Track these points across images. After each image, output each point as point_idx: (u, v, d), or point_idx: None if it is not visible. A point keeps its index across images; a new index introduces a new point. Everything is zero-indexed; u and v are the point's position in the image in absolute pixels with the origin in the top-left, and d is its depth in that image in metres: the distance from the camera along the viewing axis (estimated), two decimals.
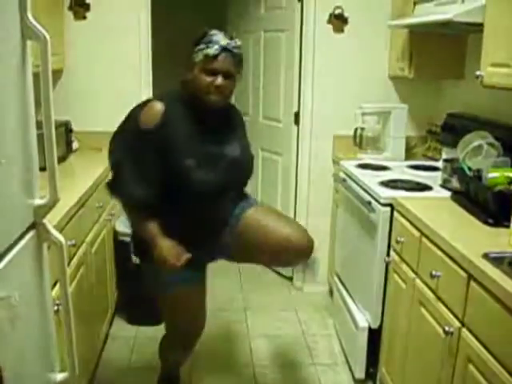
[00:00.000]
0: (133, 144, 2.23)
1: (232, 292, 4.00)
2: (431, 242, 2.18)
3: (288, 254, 2.31)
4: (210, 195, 2.25)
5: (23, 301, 1.39)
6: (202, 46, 2.15)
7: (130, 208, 2.30)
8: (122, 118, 3.86)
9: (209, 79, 2.15)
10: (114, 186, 2.32)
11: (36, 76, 1.59)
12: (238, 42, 2.21)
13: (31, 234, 1.54)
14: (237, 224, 2.34)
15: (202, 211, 2.28)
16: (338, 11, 3.73)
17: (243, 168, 2.41)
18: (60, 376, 1.70)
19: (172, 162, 2.19)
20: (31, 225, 1.55)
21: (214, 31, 2.20)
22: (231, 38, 2.19)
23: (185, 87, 2.27)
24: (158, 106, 2.20)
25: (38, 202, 1.57)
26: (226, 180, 2.28)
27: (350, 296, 3.15)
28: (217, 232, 2.35)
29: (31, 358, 1.52)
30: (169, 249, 2.16)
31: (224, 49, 2.14)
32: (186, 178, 2.19)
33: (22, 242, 1.46)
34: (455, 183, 2.68)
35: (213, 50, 2.13)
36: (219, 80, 2.15)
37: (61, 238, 1.62)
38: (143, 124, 2.19)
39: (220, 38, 2.16)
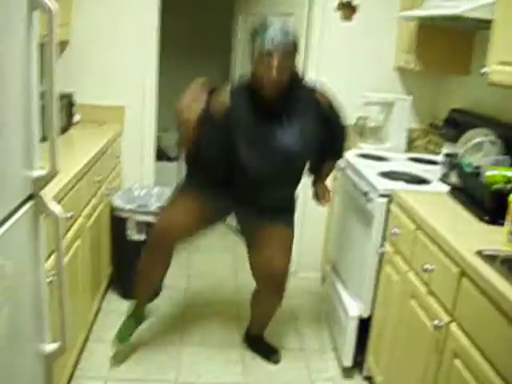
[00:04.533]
0: (204, 129, 2.46)
1: (224, 272, 4.01)
2: (426, 235, 2.19)
3: (266, 275, 2.79)
4: (256, 177, 2.51)
5: (17, 270, 1.40)
6: (258, 41, 2.31)
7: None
8: (127, 92, 3.87)
9: (264, 72, 2.33)
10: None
11: (41, 46, 1.58)
12: (291, 28, 2.35)
13: (28, 205, 1.54)
14: (261, 227, 2.71)
15: (243, 185, 2.57)
16: None
17: (292, 156, 2.54)
18: (50, 347, 1.71)
19: (227, 142, 2.46)
20: (29, 196, 1.55)
21: (269, 21, 2.34)
22: (285, 24, 2.33)
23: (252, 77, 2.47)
24: (224, 95, 2.47)
25: (36, 173, 1.57)
26: (271, 167, 2.50)
27: (342, 284, 3.17)
28: (248, 202, 2.63)
29: (23, 327, 1.52)
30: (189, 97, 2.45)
31: (277, 44, 2.27)
32: (236, 158, 2.47)
33: (19, 213, 1.46)
34: (454, 178, 2.69)
35: (267, 46, 2.28)
36: (274, 73, 2.31)
37: (57, 211, 1.62)
38: (212, 114, 2.44)
39: (273, 32, 2.27)
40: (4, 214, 1.37)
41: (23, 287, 1.51)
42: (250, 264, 2.86)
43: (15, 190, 1.47)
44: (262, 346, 3.13)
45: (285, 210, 2.78)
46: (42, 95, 1.62)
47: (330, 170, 3.00)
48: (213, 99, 2.47)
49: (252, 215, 2.72)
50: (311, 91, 2.63)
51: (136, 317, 2.96)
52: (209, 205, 2.65)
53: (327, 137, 2.66)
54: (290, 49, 2.34)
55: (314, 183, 2.97)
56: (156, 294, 3.34)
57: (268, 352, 3.09)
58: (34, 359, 1.65)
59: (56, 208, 1.62)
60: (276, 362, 3.04)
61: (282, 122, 2.50)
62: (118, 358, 2.92)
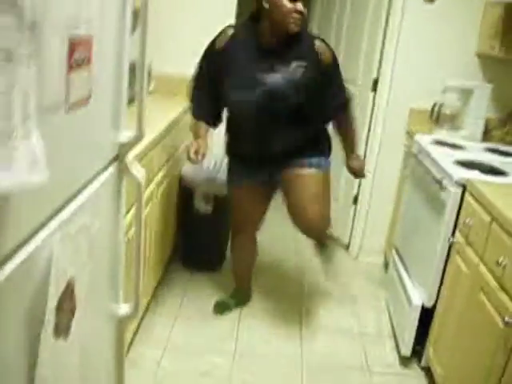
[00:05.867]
0: (201, 65, 2.72)
1: (285, 254, 4.00)
2: (502, 228, 2.11)
3: (302, 228, 2.81)
4: (250, 116, 2.63)
5: (100, 230, 1.42)
6: None
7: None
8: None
9: (290, 5, 2.44)
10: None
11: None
12: None
13: (114, 166, 1.57)
14: (288, 173, 2.76)
15: (250, 131, 2.69)
16: None
17: (281, 97, 2.58)
18: (124, 308, 1.75)
19: (221, 82, 2.60)
20: (115, 157, 1.58)
21: None
22: None
23: (254, 17, 2.58)
24: (228, 32, 2.63)
25: (123, 136, 1.59)
26: (259, 105, 2.57)
27: (407, 271, 3.12)
28: (268, 155, 2.74)
29: (100, 287, 1.56)
30: (194, 145, 2.59)
31: None
32: (226, 96, 2.62)
33: (105, 174, 1.49)
34: None
35: None
36: (300, 5, 2.46)
37: (140, 175, 1.64)
38: (213, 48, 2.64)
39: None
40: (92, 174, 1.39)
41: (103, 247, 1.54)
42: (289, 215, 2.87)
43: (103, 151, 1.50)
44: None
45: (309, 150, 2.77)
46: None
47: (351, 136, 2.94)
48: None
49: (277, 166, 2.78)
50: (313, 40, 2.65)
51: (237, 298, 3.27)
52: (257, 186, 2.89)
53: (325, 91, 2.69)
54: None
55: (346, 155, 2.95)
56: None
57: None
58: (107, 320, 1.69)
59: (139, 171, 1.64)
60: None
61: (277, 61, 2.56)
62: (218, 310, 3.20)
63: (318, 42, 2.63)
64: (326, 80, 2.65)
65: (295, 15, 2.45)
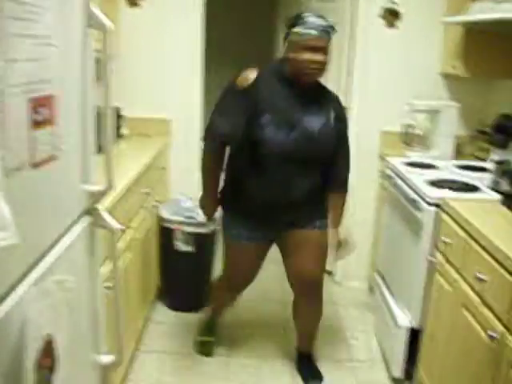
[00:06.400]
0: (225, 98, 2.56)
1: (269, 283, 3.99)
2: (478, 244, 2.15)
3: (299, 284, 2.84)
4: (280, 157, 2.49)
5: (77, 283, 1.42)
6: (300, 28, 2.39)
7: (211, 146, 2.65)
8: (173, 105, 3.91)
9: (307, 56, 2.39)
10: (206, 128, 2.67)
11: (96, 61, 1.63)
12: (331, 22, 2.46)
13: (86, 219, 1.57)
14: (295, 235, 2.70)
15: (271, 175, 2.53)
16: (391, 6, 3.68)
17: (316, 142, 2.53)
18: (107, 358, 1.74)
19: (252, 119, 2.46)
20: (86, 210, 1.59)
21: (305, 12, 2.47)
22: (322, 18, 2.44)
23: (284, 63, 2.53)
24: (251, 73, 2.51)
25: (93, 188, 1.60)
26: (296, 146, 2.48)
27: (391, 294, 3.13)
28: (279, 206, 2.60)
29: (81, 339, 1.55)
30: (208, 203, 2.79)
31: (323, 29, 2.39)
32: (259, 133, 2.45)
33: (77, 227, 1.50)
34: (505, 186, 2.64)
35: (313, 31, 2.37)
36: (318, 56, 2.41)
37: (114, 224, 1.65)
38: (237, 86, 2.50)
39: (317, 20, 2.40)
40: (63, 228, 1.40)
41: (81, 299, 1.54)
42: (286, 272, 2.85)
43: (73, 205, 1.51)
44: (308, 368, 3.03)
45: (315, 211, 2.70)
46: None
47: (340, 212, 2.79)
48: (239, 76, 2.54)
49: (284, 221, 2.67)
50: (331, 93, 2.69)
51: (212, 332, 3.21)
52: (257, 244, 2.75)
53: (339, 151, 2.66)
54: (332, 33, 2.45)
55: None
56: None
57: (311, 375, 2.99)
58: (91, 371, 1.68)
59: (112, 221, 1.65)
60: None
61: (310, 108, 2.54)
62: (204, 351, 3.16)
63: (335, 95, 2.69)
64: (340, 138, 2.64)
65: (313, 66, 2.41)
